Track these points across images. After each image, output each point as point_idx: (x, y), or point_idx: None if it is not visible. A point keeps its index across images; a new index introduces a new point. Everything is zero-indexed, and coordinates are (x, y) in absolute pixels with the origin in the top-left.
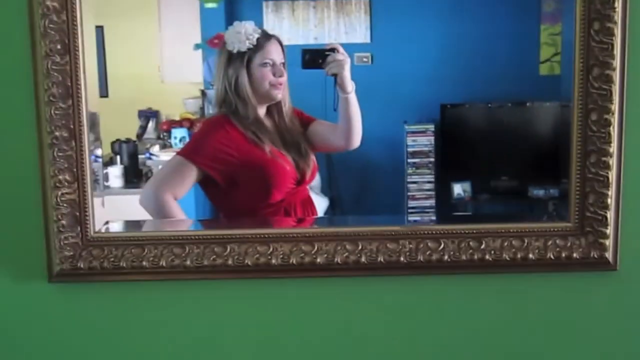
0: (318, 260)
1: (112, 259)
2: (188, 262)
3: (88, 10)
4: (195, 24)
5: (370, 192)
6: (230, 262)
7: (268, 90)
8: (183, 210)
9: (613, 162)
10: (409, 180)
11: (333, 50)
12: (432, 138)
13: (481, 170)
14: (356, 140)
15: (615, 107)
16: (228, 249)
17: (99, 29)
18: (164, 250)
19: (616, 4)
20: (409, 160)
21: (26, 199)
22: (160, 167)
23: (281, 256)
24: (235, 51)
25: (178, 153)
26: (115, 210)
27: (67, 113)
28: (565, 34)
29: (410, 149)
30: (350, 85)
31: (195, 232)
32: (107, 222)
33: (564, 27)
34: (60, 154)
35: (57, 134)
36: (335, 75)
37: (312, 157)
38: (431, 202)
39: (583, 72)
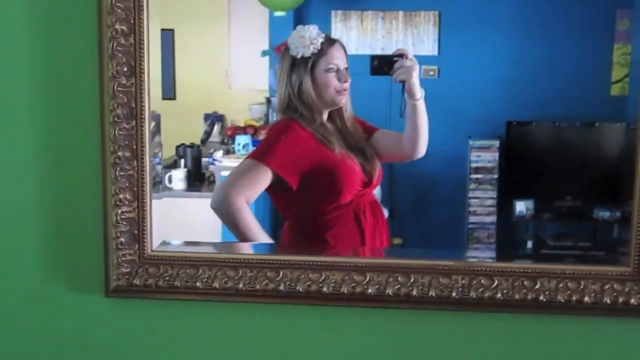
0: (369, 290)
1: (167, 278)
2: (240, 285)
3: (155, 20)
4: (264, 32)
5: (430, 205)
6: (282, 287)
7: (333, 96)
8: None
9: None
10: (470, 195)
11: (401, 56)
12: (497, 154)
13: (545, 189)
14: (422, 149)
15: None
16: (281, 274)
17: (169, 32)
18: (217, 272)
19: None
20: (472, 176)
21: (88, 215)
22: (230, 171)
23: (333, 284)
24: (299, 56)
25: (250, 157)
26: (176, 212)
27: (131, 134)
28: (635, 53)
29: (473, 165)
30: (419, 92)
31: (249, 256)
32: (164, 242)
33: (634, 46)
34: (122, 173)
35: (119, 153)
36: (403, 82)
37: (378, 161)
38: (492, 218)
39: None
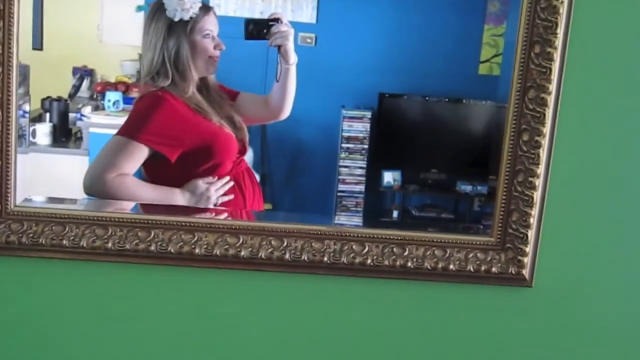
0: (242, 253)
1: (30, 235)
2: (109, 245)
3: None
4: None
5: (302, 173)
6: (152, 247)
7: (207, 62)
8: None
9: (539, 183)
10: (340, 164)
11: (277, 20)
12: (368, 125)
13: (412, 161)
14: (288, 110)
15: (546, 130)
16: (152, 234)
17: None
18: (85, 230)
19: (558, 30)
20: (343, 145)
21: None
22: (101, 150)
23: (205, 246)
24: (176, 19)
25: (119, 133)
26: (41, 168)
27: None
28: (508, 35)
29: (345, 134)
30: (293, 57)
31: (119, 214)
32: (28, 199)
33: (507, 27)
34: None
35: None
36: (279, 46)
37: (245, 128)
38: (361, 187)
39: (520, 94)
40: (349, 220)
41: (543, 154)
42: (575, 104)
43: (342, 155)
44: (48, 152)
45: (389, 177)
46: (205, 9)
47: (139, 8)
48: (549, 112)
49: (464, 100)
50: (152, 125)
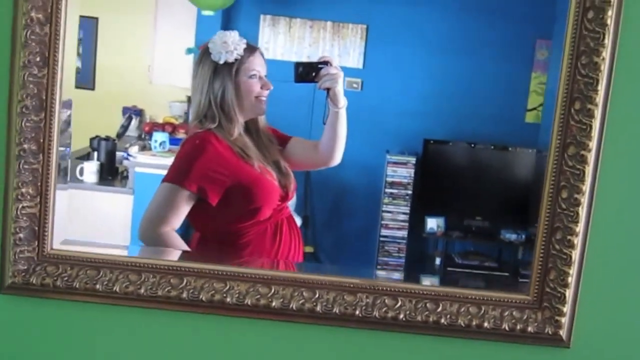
0: (273, 304)
1: (65, 278)
2: (142, 291)
3: (74, 7)
4: (190, 29)
5: (345, 216)
6: (184, 295)
7: (254, 103)
8: None
9: (578, 241)
10: (384, 209)
11: (326, 63)
12: (412, 171)
13: (456, 207)
14: (339, 157)
15: (586, 187)
16: (184, 282)
17: (93, 21)
18: (119, 275)
19: (599, 87)
20: (387, 190)
21: None
22: (151, 199)
23: (237, 295)
24: (221, 62)
25: (165, 180)
26: (87, 205)
27: (38, 126)
28: (550, 84)
29: (389, 179)
30: (342, 100)
31: (152, 261)
32: (65, 241)
33: (549, 76)
34: (26, 166)
35: (25, 146)
36: (328, 90)
37: (292, 174)
38: (403, 233)
39: (559, 150)
40: (390, 267)
41: (582, 212)
42: (615, 161)
43: (386, 200)
44: (95, 189)
45: (432, 223)
46: (251, 49)
47: (189, 51)
48: (589, 170)
49: (509, 148)
50: (195, 170)
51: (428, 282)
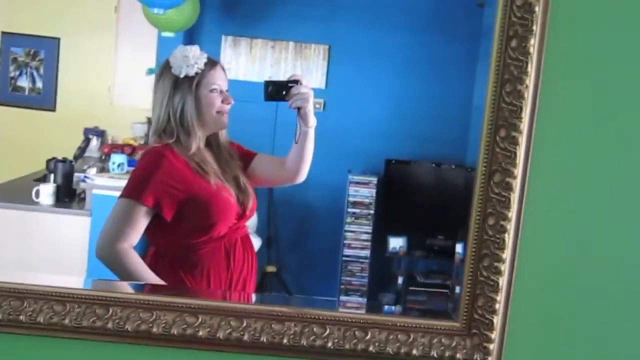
0: (200, 333)
1: None
2: (67, 321)
3: None
4: (152, 50)
5: (308, 236)
6: (110, 325)
7: (215, 117)
8: None
9: (505, 268)
10: (346, 229)
11: (296, 82)
12: (374, 190)
13: (418, 226)
14: (304, 174)
15: (512, 214)
16: (110, 312)
17: (55, 41)
18: (43, 306)
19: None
20: (349, 210)
21: None
22: (109, 214)
23: (163, 325)
24: (182, 75)
25: (122, 195)
26: (42, 228)
27: None
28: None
29: (351, 199)
30: (312, 119)
31: (77, 291)
32: None
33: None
34: None
35: None
36: (298, 108)
37: (252, 191)
38: (366, 252)
39: (485, 177)
40: (354, 288)
41: (509, 239)
42: (541, 188)
43: (348, 219)
44: (51, 212)
45: (395, 243)
46: (212, 64)
47: (150, 71)
48: (515, 197)
49: (469, 168)
50: (152, 184)
51: (392, 301)
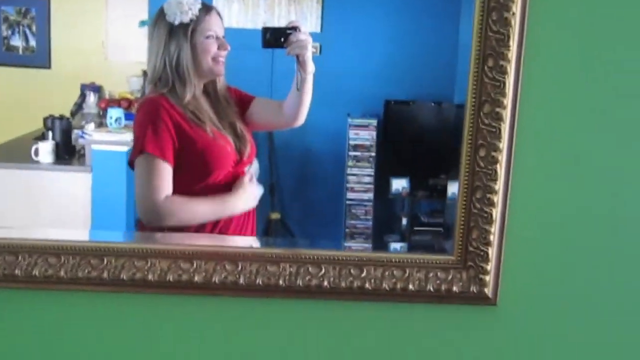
0: (196, 279)
1: None
2: (62, 273)
3: None
4: (143, 2)
5: (310, 181)
6: (105, 275)
7: (210, 65)
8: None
9: (498, 199)
10: (348, 172)
11: (295, 28)
12: (374, 133)
13: (420, 167)
14: (303, 119)
15: (503, 145)
16: (105, 262)
17: (45, 0)
18: (38, 259)
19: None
20: (350, 153)
21: None
22: (136, 175)
23: (158, 272)
24: (176, 23)
25: (136, 153)
26: (44, 186)
27: None
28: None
29: (352, 142)
30: (310, 66)
31: (71, 243)
32: None
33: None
34: None
35: None
36: (297, 56)
37: (249, 137)
38: (369, 195)
39: (474, 109)
40: (359, 230)
41: (501, 170)
42: (532, 117)
43: (350, 163)
44: (52, 169)
45: (397, 185)
46: (207, 9)
47: (142, 23)
48: (505, 127)
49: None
50: (162, 136)
51: (397, 245)
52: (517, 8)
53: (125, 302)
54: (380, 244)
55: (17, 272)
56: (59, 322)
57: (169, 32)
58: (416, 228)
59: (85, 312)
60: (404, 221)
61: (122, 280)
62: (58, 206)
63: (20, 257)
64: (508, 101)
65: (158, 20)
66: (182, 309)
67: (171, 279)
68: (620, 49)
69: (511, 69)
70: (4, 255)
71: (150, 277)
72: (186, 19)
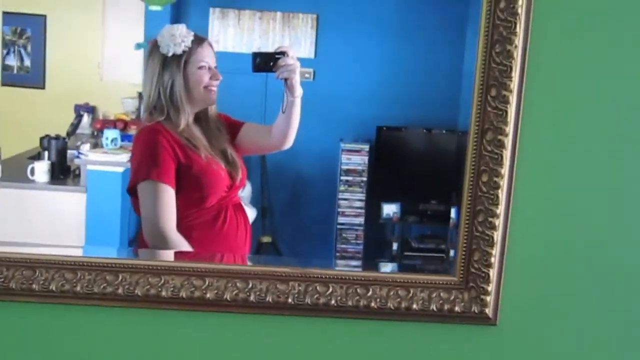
0: (207, 295)
1: (1, 279)
2: (78, 288)
3: None
4: (139, 24)
5: (302, 205)
6: (120, 291)
7: (203, 94)
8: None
9: (499, 223)
10: (340, 197)
11: (283, 53)
12: (366, 158)
13: (411, 192)
14: (291, 141)
15: (505, 171)
16: (120, 278)
17: (42, 18)
18: (55, 275)
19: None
20: (342, 178)
21: None
22: (145, 201)
23: (171, 289)
24: (170, 54)
25: (139, 180)
26: (39, 205)
27: None
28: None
29: (344, 167)
30: (298, 90)
31: (87, 259)
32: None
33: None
34: None
35: None
36: (285, 79)
37: (240, 162)
38: (360, 219)
39: (477, 136)
40: (349, 255)
41: (502, 194)
42: (532, 145)
43: (342, 187)
44: (47, 189)
45: (388, 209)
46: (199, 41)
47: (138, 46)
48: (507, 154)
49: (460, 132)
50: (163, 162)
51: (388, 268)
52: (519, 41)
53: (138, 318)
54: (370, 267)
55: (34, 286)
56: (75, 336)
57: (163, 63)
58: (406, 253)
59: (100, 327)
60: (395, 246)
61: (136, 295)
62: (53, 225)
63: (37, 272)
64: (510, 129)
65: (152, 51)
66: (194, 324)
67: (184, 296)
68: (620, 80)
69: (513, 98)
70: (22, 270)
71: (163, 293)
72: (179, 51)
